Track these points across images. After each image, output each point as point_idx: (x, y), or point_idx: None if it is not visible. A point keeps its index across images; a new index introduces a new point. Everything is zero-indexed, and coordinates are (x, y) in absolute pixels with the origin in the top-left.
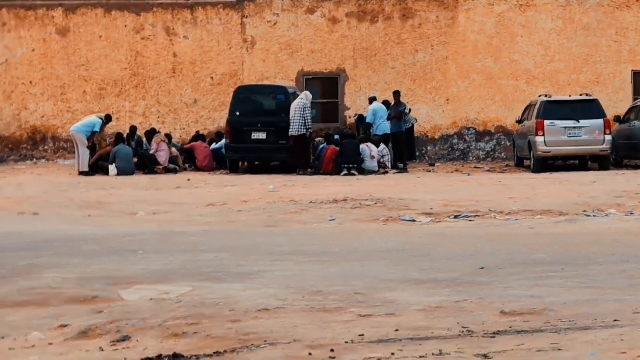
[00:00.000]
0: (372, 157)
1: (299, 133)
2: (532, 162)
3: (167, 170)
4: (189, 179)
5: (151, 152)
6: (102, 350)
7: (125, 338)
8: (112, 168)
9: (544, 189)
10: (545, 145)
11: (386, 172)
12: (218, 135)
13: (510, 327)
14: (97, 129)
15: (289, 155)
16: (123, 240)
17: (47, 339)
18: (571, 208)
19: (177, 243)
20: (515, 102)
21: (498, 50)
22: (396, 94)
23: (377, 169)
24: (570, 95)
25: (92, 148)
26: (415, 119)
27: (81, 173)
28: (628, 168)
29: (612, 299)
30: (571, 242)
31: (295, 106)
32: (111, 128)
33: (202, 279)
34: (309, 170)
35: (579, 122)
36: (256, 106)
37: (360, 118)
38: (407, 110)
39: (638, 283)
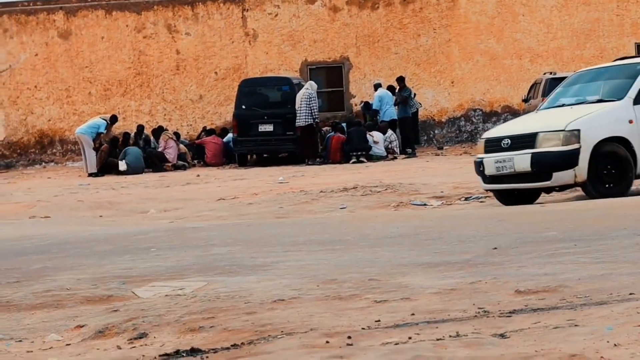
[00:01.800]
0: (376, 142)
1: (306, 123)
2: None
3: (176, 168)
4: (198, 175)
5: (159, 150)
6: (120, 348)
7: (142, 335)
8: (122, 164)
9: None
10: None
11: (395, 157)
12: (223, 131)
13: (526, 306)
14: (102, 130)
15: (296, 146)
16: (135, 238)
17: (64, 340)
18: None
19: (190, 239)
20: (520, 82)
21: (500, 31)
22: (400, 79)
23: (385, 155)
24: (575, 72)
25: (99, 149)
26: (420, 104)
27: (90, 175)
28: None
29: (626, 272)
30: (582, 218)
31: (301, 97)
32: (118, 128)
33: (215, 273)
34: (317, 160)
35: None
36: (262, 99)
37: (367, 105)
38: (412, 95)
39: None
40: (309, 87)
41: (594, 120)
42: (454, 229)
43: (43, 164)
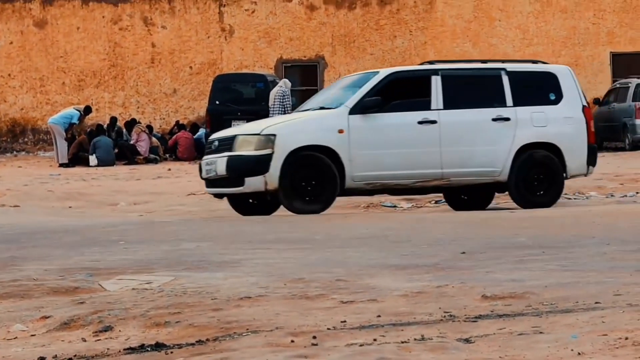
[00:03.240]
0: None
1: None
2: None
3: (147, 161)
4: (169, 169)
5: (131, 142)
6: (85, 341)
7: (107, 328)
8: (92, 158)
9: None
10: None
11: None
12: (194, 126)
13: (492, 312)
14: (75, 120)
15: None
16: (104, 231)
17: (29, 330)
18: None
19: (159, 233)
20: None
21: (476, 35)
22: None
23: None
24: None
25: (71, 140)
26: None
27: (61, 165)
28: (608, 150)
29: (593, 281)
30: (552, 225)
31: (274, 94)
32: (91, 119)
33: (183, 268)
34: None
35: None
36: (236, 95)
37: None
38: None
39: (618, 265)
40: (283, 85)
41: (296, 127)
42: (424, 232)
43: (14, 152)
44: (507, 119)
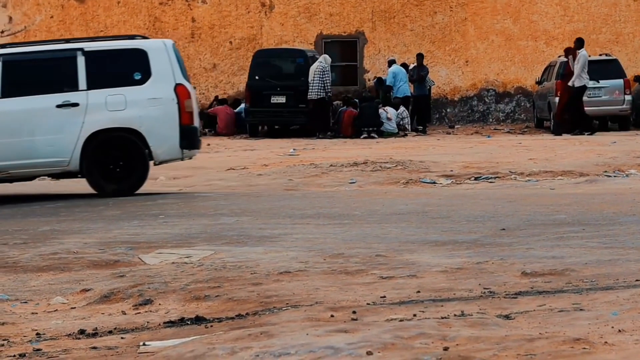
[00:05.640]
0: (389, 119)
1: (318, 97)
2: (552, 123)
3: None
4: (208, 144)
5: None
6: (125, 314)
7: (147, 302)
8: None
9: (564, 150)
10: None
11: (406, 134)
12: (236, 102)
13: (532, 288)
14: None
15: (308, 119)
16: (144, 205)
17: (69, 303)
18: (591, 169)
19: (198, 207)
20: (535, 63)
21: (517, 11)
22: (419, 57)
23: (396, 131)
24: (589, 56)
25: None
26: (433, 82)
27: None
28: None
29: (633, 259)
30: (592, 202)
31: (314, 70)
32: None
33: (223, 242)
34: (328, 133)
35: (598, 82)
36: (275, 70)
37: (380, 81)
38: (427, 73)
39: None
40: (323, 61)
41: None
42: (463, 208)
43: None
44: (76, 105)
